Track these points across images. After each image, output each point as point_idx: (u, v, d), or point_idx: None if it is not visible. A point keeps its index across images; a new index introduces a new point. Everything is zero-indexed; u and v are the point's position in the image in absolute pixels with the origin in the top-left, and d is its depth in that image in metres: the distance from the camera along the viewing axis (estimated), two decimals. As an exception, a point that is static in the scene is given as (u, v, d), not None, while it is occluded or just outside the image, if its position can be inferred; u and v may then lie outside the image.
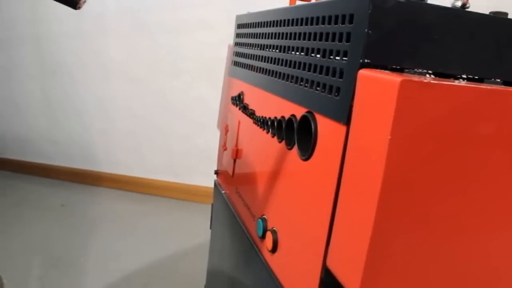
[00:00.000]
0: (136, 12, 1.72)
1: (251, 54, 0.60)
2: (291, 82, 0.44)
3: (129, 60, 1.77)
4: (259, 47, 0.57)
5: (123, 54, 1.76)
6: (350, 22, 0.33)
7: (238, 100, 0.63)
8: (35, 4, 1.81)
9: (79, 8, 0.45)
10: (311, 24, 0.40)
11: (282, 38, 0.48)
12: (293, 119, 0.42)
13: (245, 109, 0.60)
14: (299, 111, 0.41)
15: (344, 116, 0.32)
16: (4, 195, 1.76)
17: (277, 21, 0.50)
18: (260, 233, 0.48)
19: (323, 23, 0.38)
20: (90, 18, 1.79)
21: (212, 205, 0.80)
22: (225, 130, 0.73)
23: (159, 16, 1.71)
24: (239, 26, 0.69)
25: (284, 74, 0.46)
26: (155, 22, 1.72)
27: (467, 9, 0.35)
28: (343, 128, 0.33)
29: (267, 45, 0.54)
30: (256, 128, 0.54)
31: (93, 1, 1.82)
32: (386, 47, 0.31)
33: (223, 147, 0.73)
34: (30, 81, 1.90)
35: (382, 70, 0.31)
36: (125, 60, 1.78)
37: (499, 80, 0.34)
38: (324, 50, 0.37)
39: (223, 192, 0.72)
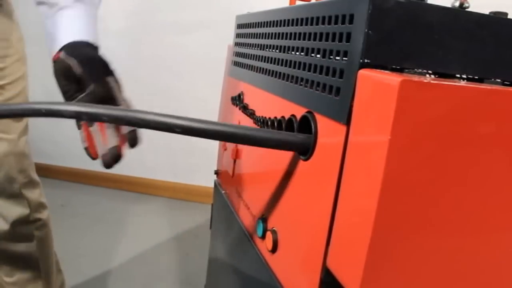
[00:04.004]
0: (138, 13, 1.72)
1: (251, 54, 0.60)
2: (291, 82, 0.44)
3: (130, 60, 1.77)
4: (259, 47, 0.57)
5: (125, 54, 1.77)
6: (350, 22, 0.33)
7: (238, 100, 0.63)
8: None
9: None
10: (311, 24, 0.40)
11: (282, 38, 0.48)
12: (293, 119, 0.42)
13: (245, 109, 0.60)
14: (299, 111, 0.41)
15: (344, 116, 0.32)
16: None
17: (277, 21, 0.50)
18: (260, 233, 0.48)
19: (323, 23, 0.38)
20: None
21: (212, 205, 0.80)
22: (225, 130, 0.72)
23: (161, 17, 1.71)
24: (239, 26, 0.69)
25: (284, 74, 0.46)
26: (157, 22, 1.72)
27: (466, 9, 0.35)
28: (343, 128, 0.33)
29: (267, 45, 0.54)
30: (256, 128, 0.54)
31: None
32: (386, 47, 0.31)
33: (223, 147, 0.73)
34: (32, 80, 1.90)
35: (382, 70, 0.31)
36: (127, 60, 1.78)
37: (499, 80, 0.34)
38: (324, 50, 0.37)
39: (223, 192, 0.72)
